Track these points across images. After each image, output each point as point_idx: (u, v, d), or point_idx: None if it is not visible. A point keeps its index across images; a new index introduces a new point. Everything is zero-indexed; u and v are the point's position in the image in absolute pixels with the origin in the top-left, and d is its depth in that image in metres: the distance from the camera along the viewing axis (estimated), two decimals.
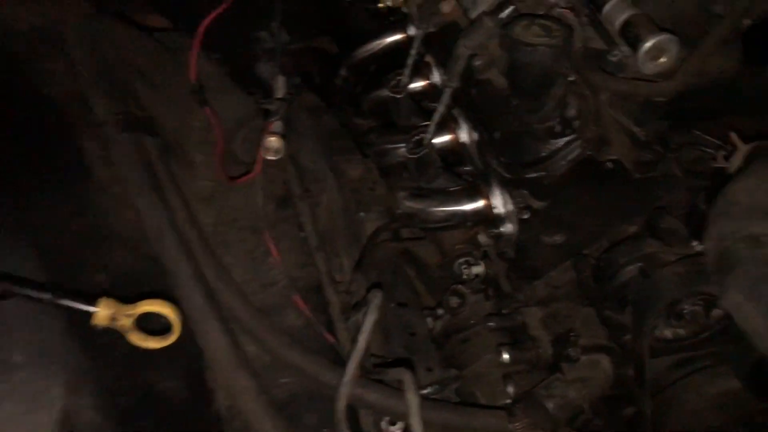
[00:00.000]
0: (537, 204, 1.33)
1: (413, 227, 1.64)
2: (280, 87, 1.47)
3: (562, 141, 1.26)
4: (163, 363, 1.11)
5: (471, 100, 1.43)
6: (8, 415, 0.90)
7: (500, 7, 1.31)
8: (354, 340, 1.12)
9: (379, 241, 1.54)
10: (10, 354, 0.92)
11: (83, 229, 1.10)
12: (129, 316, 0.88)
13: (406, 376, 1.08)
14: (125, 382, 1.03)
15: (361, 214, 1.63)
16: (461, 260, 1.61)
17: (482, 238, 1.63)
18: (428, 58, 1.71)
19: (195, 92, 1.41)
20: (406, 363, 1.16)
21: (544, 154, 1.28)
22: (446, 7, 1.49)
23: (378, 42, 1.89)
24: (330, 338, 1.32)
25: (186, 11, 1.67)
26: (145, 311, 0.88)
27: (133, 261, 1.15)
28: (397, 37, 1.86)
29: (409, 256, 1.70)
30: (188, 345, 1.16)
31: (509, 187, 1.36)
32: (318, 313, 1.37)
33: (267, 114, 1.44)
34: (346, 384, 1.07)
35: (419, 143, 1.51)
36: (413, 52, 1.58)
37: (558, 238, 1.37)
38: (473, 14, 1.39)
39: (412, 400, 1.05)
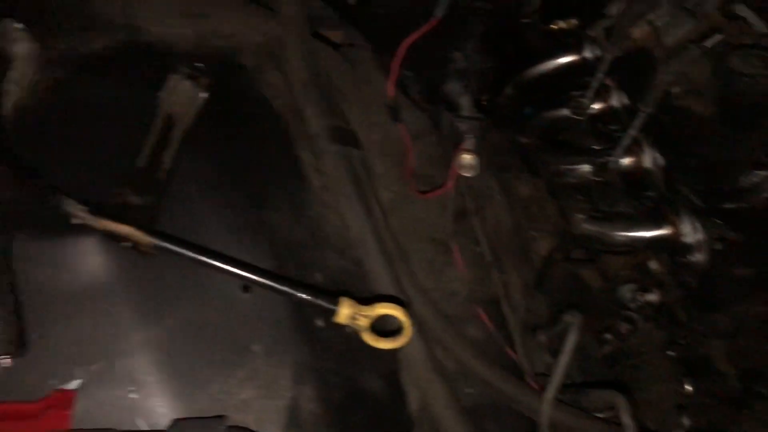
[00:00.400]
0: (733, 235, 1.31)
1: (590, 249, 1.65)
2: (467, 106, 1.52)
3: (766, 173, 1.24)
4: (367, 362, 1.17)
5: (663, 127, 1.42)
6: (246, 398, 0.99)
7: (705, 35, 1.30)
8: (557, 359, 1.14)
9: (555, 262, 1.55)
10: (250, 343, 1.01)
11: (303, 231, 1.18)
12: (366, 316, 0.94)
13: (620, 401, 1.09)
14: (339, 377, 1.10)
15: (533, 232, 1.65)
16: (631, 286, 1.60)
17: (654, 266, 1.61)
18: (608, 82, 1.71)
19: (390, 108, 1.48)
20: (611, 386, 1.17)
21: (745, 185, 1.26)
22: (638, 33, 1.49)
23: (550, 63, 1.91)
24: (513, 354, 1.35)
25: (371, 28, 1.75)
26: (382, 314, 0.94)
27: (342, 263, 1.22)
28: (570, 58, 1.87)
29: (576, 279, 1.71)
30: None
31: (702, 215, 1.35)
32: (496, 327, 1.40)
33: (455, 132, 1.49)
34: (549, 400, 1.10)
35: (604, 166, 1.52)
36: (600, 75, 1.59)
37: (750, 272, 1.34)
38: (669, 41, 1.38)
39: (629, 425, 1.06)
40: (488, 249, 1.56)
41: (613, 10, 1.56)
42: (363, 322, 0.94)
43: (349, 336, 1.13)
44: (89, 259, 0.95)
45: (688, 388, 1.36)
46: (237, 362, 0.99)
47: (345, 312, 0.93)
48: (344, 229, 1.26)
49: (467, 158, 1.38)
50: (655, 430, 1.39)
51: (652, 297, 1.54)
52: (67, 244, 0.95)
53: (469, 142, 1.40)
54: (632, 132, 1.41)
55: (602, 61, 1.58)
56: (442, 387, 1.18)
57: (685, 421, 1.37)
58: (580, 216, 1.56)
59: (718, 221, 1.32)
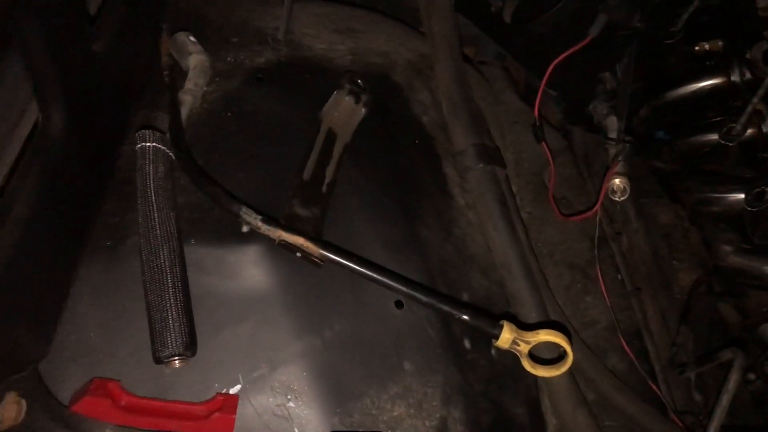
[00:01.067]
0: None
1: (736, 283, 1.56)
2: (614, 128, 1.48)
3: None
4: (511, 388, 1.15)
5: None
6: (397, 415, 0.99)
7: None
8: (717, 399, 1.08)
9: (700, 294, 1.48)
10: (402, 360, 1.01)
11: (451, 249, 1.18)
12: (527, 342, 0.92)
13: None
14: (485, 401, 1.08)
15: (675, 262, 1.58)
16: None
17: None
18: (760, 106, 1.62)
19: (534, 128, 1.45)
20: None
21: None
22: None
23: (694, 85, 1.83)
24: (656, 389, 1.29)
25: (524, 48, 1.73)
26: (544, 341, 0.92)
27: (486, 283, 1.21)
28: (716, 81, 1.78)
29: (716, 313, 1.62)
30: (529, 374, 1.19)
31: None
32: (641, 359, 1.34)
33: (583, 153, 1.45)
34: None
35: (760, 196, 1.43)
36: (756, 100, 1.51)
37: None
38: None
39: None
40: (628, 278, 1.50)
41: None
42: (523, 348, 0.92)
43: (493, 359, 1.12)
44: (255, 268, 0.98)
45: None
46: (389, 378, 0.99)
47: (507, 336, 0.91)
48: (487, 248, 1.25)
49: (618, 182, 1.33)
50: None
51: None
52: (235, 252, 0.97)
53: (621, 165, 1.35)
54: None
55: (761, 85, 1.49)
56: (585, 419, 1.13)
57: None
58: (728, 248, 1.48)
59: None
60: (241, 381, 0.93)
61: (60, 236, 0.85)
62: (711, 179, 1.62)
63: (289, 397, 0.94)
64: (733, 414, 1.37)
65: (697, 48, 1.86)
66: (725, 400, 1.07)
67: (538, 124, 1.44)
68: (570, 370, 1.17)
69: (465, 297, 1.15)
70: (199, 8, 1.27)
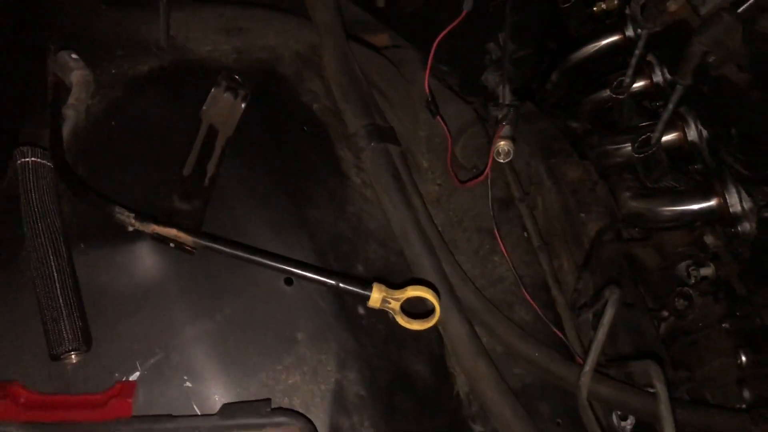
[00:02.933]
0: None
1: (638, 227, 1.64)
2: (506, 94, 1.54)
3: None
4: (412, 347, 1.22)
5: (703, 98, 1.41)
6: (293, 383, 1.06)
7: (738, 2, 1.28)
8: (595, 334, 1.15)
9: (603, 242, 1.55)
10: (294, 332, 1.08)
11: (344, 226, 1.25)
12: (397, 299, 0.99)
13: (652, 367, 1.09)
14: (383, 361, 1.15)
15: (582, 215, 1.65)
16: (687, 262, 1.58)
17: (710, 240, 1.58)
18: (650, 58, 1.70)
19: (427, 104, 1.52)
20: (649, 357, 1.17)
21: None
22: (673, 6, 1.48)
23: (593, 45, 1.91)
24: (560, 334, 1.36)
25: (410, 28, 1.80)
26: (411, 296, 0.99)
27: (385, 254, 1.28)
28: (613, 38, 1.86)
29: (629, 258, 1.69)
30: (430, 332, 1.26)
31: (748, 184, 1.32)
32: (545, 309, 1.41)
33: (494, 120, 1.52)
34: (587, 374, 1.11)
35: (646, 142, 1.51)
36: (637, 52, 1.58)
37: None
38: (705, 10, 1.37)
39: (662, 390, 1.06)
40: (536, 234, 1.57)
41: None
42: (394, 305, 0.99)
43: (392, 322, 1.19)
44: (143, 262, 1.05)
45: (744, 359, 1.33)
46: (283, 350, 1.06)
47: (376, 296, 0.98)
48: (386, 222, 1.31)
49: (503, 145, 1.40)
50: (716, 404, 1.37)
51: (708, 271, 1.52)
52: (122, 250, 1.04)
53: (505, 129, 1.42)
54: (670, 106, 1.40)
55: (641, 37, 1.57)
56: (487, 368, 1.20)
57: (746, 394, 1.34)
58: (627, 194, 1.56)
59: (766, 188, 1.29)
60: (138, 368, 1.00)
61: None
62: (608, 132, 1.69)
63: (185, 377, 1.01)
64: (642, 352, 1.45)
65: (595, 8, 1.94)
66: (600, 334, 1.14)
67: (429, 99, 1.50)
68: (469, 323, 1.24)
69: (360, 268, 1.22)
70: (85, 27, 1.33)
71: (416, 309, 1.09)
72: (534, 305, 1.37)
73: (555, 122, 1.96)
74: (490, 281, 1.46)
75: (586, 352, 1.31)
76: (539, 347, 1.28)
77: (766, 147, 1.26)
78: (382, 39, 2.02)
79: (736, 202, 1.34)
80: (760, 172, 1.28)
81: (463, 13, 1.43)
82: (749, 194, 1.31)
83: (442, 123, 1.53)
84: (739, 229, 1.35)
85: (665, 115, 1.42)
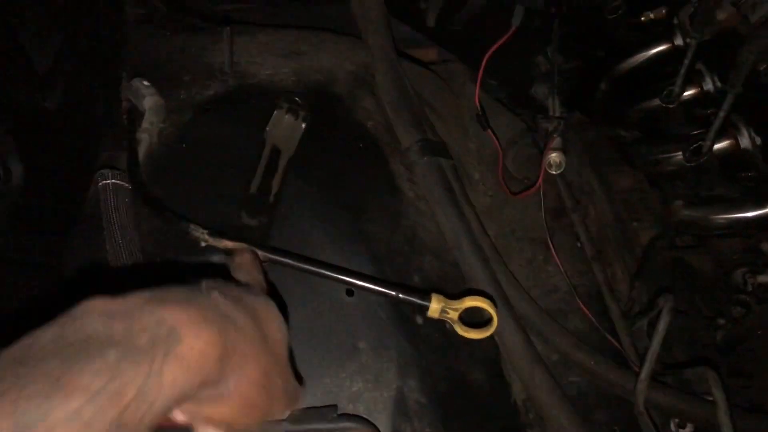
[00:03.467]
0: None
1: (692, 235, 1.64)
2: (556, 106, 1.57)
3: None
4: (469, 356, 1.26)
5: (755, 105, 1.41)
6: (356, 390, 1.11)
7: None
8: (651, 342, 1.17)
9: (657, 250, 1.56)
10: (356, 341, 1.13)
11: (400, 238, 1.29)
12: (456, 309, 1.03)
13: (710, 374, 1.10)
14: (441, 370, 1.19)
15: (635, 223, 1.66)
16: (743, 269, 1.57)
17: (766, 246, 1.58)
18: (699, 66, 1.70)
19: (478, 117, 1.56)
20: (706, 363, 1.18)
21: None
22: (722, 14, 1.48)
23: (642, 54, 1.91)
24: (614, 343, 1.38)
25: (459, 45, 1.85)
26: (469, 306, 1.02)
27: (439, 265, 1.32)
28: (662, 48, 1.86)
29: (684, 266, 1.70)
30: (487, 341, 1.30)
31: None
32: (599, 319, 1.43)
33: (543, 132, 1.55)
34: (644, 381, 1.13)
35: (698, 151, 1.51)
36: (687, 61, 1.59)
37: None
38: (755, 18, 1.38)
39: (720, 397, 1.07)
40: (588, 243, 1.60)
41: None
42: (453, 315, 1.03)
43: (449, 332, 1.23)
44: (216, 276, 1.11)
45: None
46: (346, 358, 1.11)
47: (435, 306, 1.03)
48: (440, 234, 1.36)
49: (554, 156, 1.43)
50: None
51: (765, 278, 1.52)
52: (197, 264, 1.11)
53: (556, 141, 1.45)
54: (722, 113, 1.41)
55: (689, 47, 1.58)
56: (542, 375, 1.23)
57: None
58: (679, 202, 1.57)
59: None
60: None
61: (32, 269, 1.00)
62: (658, 141, 1.70)
63: None
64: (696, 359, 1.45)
65: (643, 18, 1.95)
66: (656, 342, 1.16)
67: (479, 113, 1.54)
68: (524, 332, 1.28)
69: (416, 279, 1.26)
70: (154, 54, 1.42)
71: (473, 318, 1.13)
72: (588, 314, 1.39)
73: (604, 131, 1.97)
74: (544, 291, 1.49)
75: (641, 361, 1.33)
76: (594, 355, 1.30)
77: None
78: (430, 54, 2.07)
79: None
80: None
81: (513, 29, 1.47)
82: None
83: (492, 135, 1.57)
84: None
85: (717, 123, 1.43)
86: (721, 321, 1.59)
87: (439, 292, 1.10)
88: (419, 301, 1.03)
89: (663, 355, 1.44)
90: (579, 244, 1.57)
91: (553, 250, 1.45)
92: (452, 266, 1.34)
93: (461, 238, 1.32)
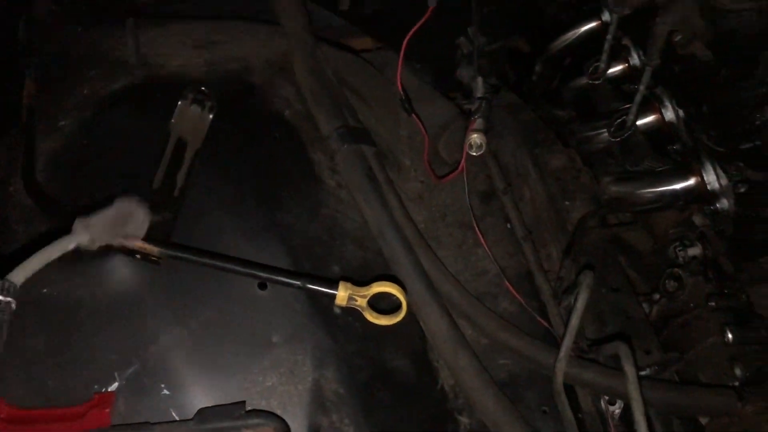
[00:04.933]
0: (755, 175, 1.27)
1: (622, 212, 1.63)
2: (479, 87, 1.55)
3: None
4: (392, 343, 1.23)
5: (675, 77, 1.40)
6: (270, 385, 1.08)
7: None
8: (568, 320, 1.16)
9: (587, 228, 1.55)
10: (269, 335, 1.10)
11: (319, 228, 1.26)
12: (363, 296, 1.00)
13: (621, 348, 1.09)
14: (362, 359, 1.16)
15: (567, 202, 1.65)
16: (675, 244, 1.57)
17: (697, 219, 1.57)
18: (626, 41, 1.70)
19: (402, 102, 1.54)
20: (621, 338, 1.17)
21: (758, 122, 1.23)
22: None
23: (572, 32, 1.91)
24: (543, 323, 1.37)
25: (389, 30, 1.82)
26: (377, 292, 1.00)
27: (362, 254, 1.29)
28: (592, 25, 1.86)
29: (620, 243, 1.69)
30: (412, 328, 1.28)
31: (723, 161, 1.32)
32: (530, 299, 1.42)
33: (469, 114, 1.53)
34: (562, 360, 1.11)
35: (622, 126, 1.51)
36: (609, 37, 1.58)
37: None
38: None
39: (630, 370, 1.06)
40: (520, 225, 1.58)
41: None
42: (361, 302, 1.00)
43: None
44: (118, 275, 1.07)
45: (730, 336, 1.32)
46: (259, 353, 1.08)
47: (342, 294, 1.00)
48: (363, 222, 1.33)
49: (475, 138, 1.40)
50: (707, 383, 1.36)
51: (696, 251, 1.51)
52: (96, 264, 1.07)
53: (477, 122, 1.43)
54: (641, 88, 1.40)
55: (611, 22, 1.57)
56: (468, 359, 1.21)
57: (738, 372, 1.33)
58: (608, 179, 1.56)
59: (739, 164, 1.29)
60: (117, 379, 1.02)
61: None
62: (588, 119, 1.69)
63: (163, 385, 1.03)
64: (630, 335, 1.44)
65: None
66: (574, 318, 1.14)
67: (402, 98, 1.52)
68: (449, 316, 1.25)
69: (336, 269, 1.23)
70: (60, 50, 1.37)
71: (392, 306, 1.11)
72: (516, 295, 1.37)
73: (540, 112, 1.96)
74: (474, 274, 1.47)
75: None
76: (521, 336, 1.28)
77: (735, 122, 1.25)
78: (365, 42, 2.04)
79: (713, 179, 1.34)
80: (733, 148, 1.27)
81: (430, 10, 1.44)
82: (725, 171, 1.30)
83: (417, 120, 1.55)
84: (718, 206, 1.34)
85: (637, 97, 1.42)
86: (657, 296, 1.58)
87: (353, 281, 1.07)
88: (325, 290, 1.00)
89: (597, 332, 1.44)
90: (509, 226, 1.55)
91: (478, 232, 1.43)
92: (376, 254, 1.31)
93: (383, 226, 1.29)
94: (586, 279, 1.18)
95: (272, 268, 1.03)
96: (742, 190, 1.27)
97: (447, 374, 1.27)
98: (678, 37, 1.33)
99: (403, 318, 1.06)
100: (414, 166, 1.68)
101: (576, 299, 1.16)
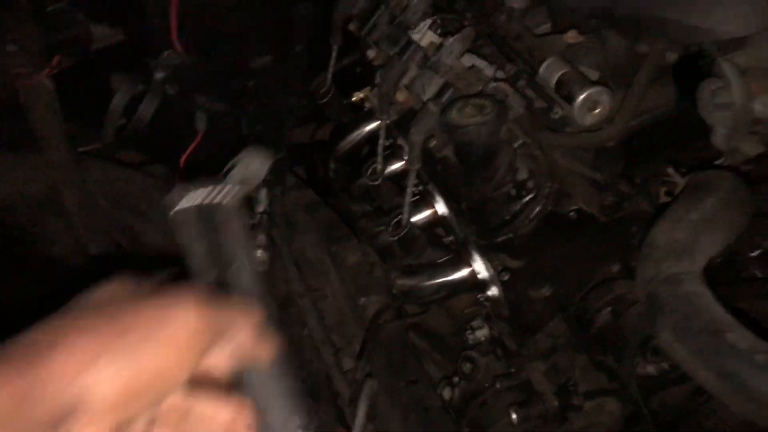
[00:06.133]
0: (514, 264, 1.39)
1: (413, 303, 1.71)
2: (262, 199, 1.58)
3: (521, 202, 1.33)
4: None
5: (438, 176, 1.51)
6: None
7: (442, 92, 1.41)
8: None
9: (381, 323, 1.60)
10: None
11: None
12: None
13: None
14: None
15: (362, 299, 1.70)
16: (467, 328, 1.66)
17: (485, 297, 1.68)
18: (401, 141, 1.81)
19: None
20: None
21: (507, 217, 1.35)
22: (401, 97, 1.59)
23: (357, 132, 2.00)
24: (341, 430, 1.38)
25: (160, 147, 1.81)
26: None
27: None
28: (373, 125, 1.97)
29: (421, 329, 1.76)
30: None
31: (486, 252, 1.43)
32: (328, 405, 1.43)
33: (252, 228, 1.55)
34: None
35: (399, 224, 1.59)
36: (381, 141, 1.68)
37: (545, 291, 1.41)
38: (425, 98, 1.49)
39: None
40: (319, 328, 1.60)
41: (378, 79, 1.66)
42: None
43: None
44: None
45: (513, 416, 1.40)
46: None
47: None
48: None
49: (259, 254, 1.42)
50: None
51: (484, 332, 1.60)
52: None
53: (259, 238, 1.45)
54: (408, 190, 1.49)
55: (380, 128, 1.67)
56: None
57: None
58: (395, 273, 1.63)
59: (500, 254, 1.40)
60: None
61: None
62: (374, 215, 1.77)
63: None
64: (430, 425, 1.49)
65: (354, 99, 2.04)
66: (360, 411, 1.16)
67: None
68: None
69: None
70: None
71: None
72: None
73: (341, 206, 2.03)
74: None
75: None
76: None
77: (489, 218, 1.36)
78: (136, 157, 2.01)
79: (481, 269, 1.43)
80: (491, 240, 1.38)
81: (201, 134, 1.46)
82: (488, 261, 1.41)
83: None
84: (489, 293, 1.44)
85: (407, 198, 1.51)
86: (456, 379, 1.65)
87: None
88: None
89: (401, 428, 1.47)
90: (306, 332, 1.57)
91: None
92: None
93: None
94: (370, 389, 1.21)
95: None
96: (506, 278, 1.37)
97: None
98: (433, 143, 1.44)
99: None
100: None
101: (357, 409, 1.19)
